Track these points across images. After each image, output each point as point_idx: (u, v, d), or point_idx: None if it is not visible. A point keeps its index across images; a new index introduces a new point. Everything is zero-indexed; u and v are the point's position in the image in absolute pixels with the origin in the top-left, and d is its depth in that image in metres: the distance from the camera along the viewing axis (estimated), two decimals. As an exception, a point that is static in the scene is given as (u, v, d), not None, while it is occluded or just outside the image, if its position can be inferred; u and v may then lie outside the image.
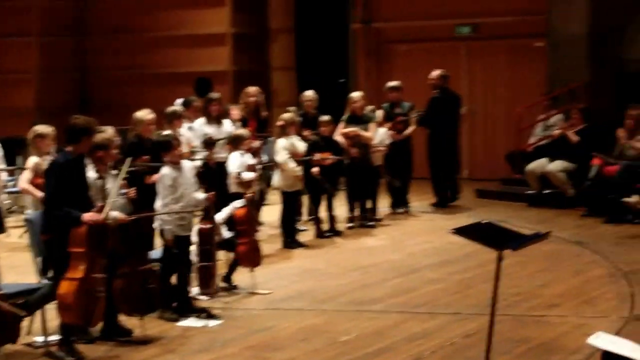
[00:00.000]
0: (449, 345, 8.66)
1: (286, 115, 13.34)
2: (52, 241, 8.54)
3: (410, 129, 15.43)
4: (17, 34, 20.31)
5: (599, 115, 16.29)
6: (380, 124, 14.96)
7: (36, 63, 20.45)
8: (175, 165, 9.77)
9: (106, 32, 21.05)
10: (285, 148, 13.01)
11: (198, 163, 12.08)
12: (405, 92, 15.68)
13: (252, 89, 14.53)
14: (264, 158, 13.80)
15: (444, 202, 16.17)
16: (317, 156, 13.44)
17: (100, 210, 8.48)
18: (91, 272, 8.34)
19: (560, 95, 17.32)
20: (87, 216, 8.35)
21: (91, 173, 8.87)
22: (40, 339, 8.76)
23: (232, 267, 10.77)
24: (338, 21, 20.24)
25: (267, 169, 13.98)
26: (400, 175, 15.50)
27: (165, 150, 9.85)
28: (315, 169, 13.39)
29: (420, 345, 8.67)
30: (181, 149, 10.01)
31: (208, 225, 10.16)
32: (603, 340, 6.25)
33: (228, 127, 13.38)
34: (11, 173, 14.10)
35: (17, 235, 13.28)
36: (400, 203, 15.65)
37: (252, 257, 10.76)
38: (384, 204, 15.49)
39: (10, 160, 13.64)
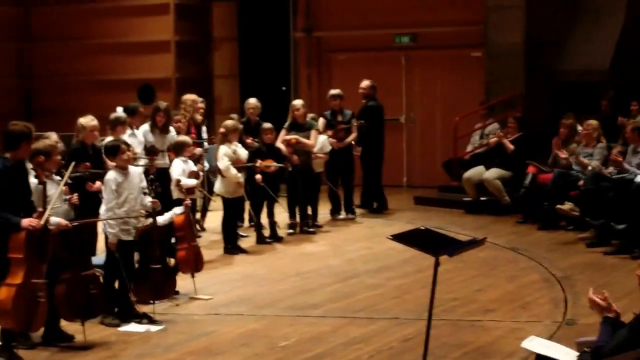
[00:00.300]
0: (387, 349, 8.78)
1: (229, 122, 13.44)
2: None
3: (351, 137, 15.57)
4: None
5: (534, 124, 16.59)
6: (321, 132, 15.10)
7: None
8: (122, 170, 9.83)
9: (50, 39, 20.99)
10: (227, 155, 13.11)
11: (140, 170, 12.17)
12: (344, 100, 15.81)
13: (195, 97, 14.63)
14: (206, 165, 13.89)
15: (384, 206, 16.36)
16: (260, 163, 13.56)
17: (40, 216, 8.52)
18: (30, 277, 8.37)
19: (496, 104, 17.60)
20: (26, 222, 8.36)
21: (32, 179, 8.91)
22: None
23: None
24: (280, 30, 20.35)
25: (210, 175, 14.10)
26: (343, 183, 15.67)
27: (113, 154, 9.91)
28: (258, 176, 13.51)
29: (358, 349, 8.78)
30: (129, 154, 10.07)
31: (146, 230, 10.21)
32: (536, 344, 6.36)
33: (173, 135, 13.47)
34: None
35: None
36: (346, 210, 15.77)
37: (191, 263, 10.83)
38: (324, 211, 15.64)
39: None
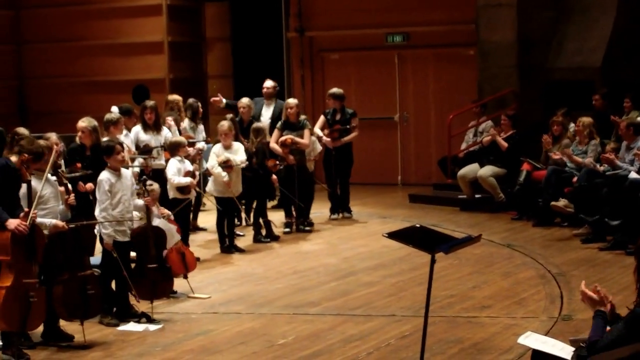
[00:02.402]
0: (384, 346, 8.83)
1: (225, 123, 13.41)
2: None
3: (350, 136, 15.52)
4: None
5: (527, 121, 16.64)
6: (321, 129, 15.20)
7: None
8: (115, 170, 9.86)
9: (43, 40, 21.00)
10: (217, 153, 13.13)
11: (130, 171, 12.23)
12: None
13: (178, 98, 14.79)
14: (204, 165, 13.92)
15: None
16: (270, 162, 13.70)
17: (25, 216, 8.53)
18: (20, 278, 8.40)
19: (489, 102, 17.65)
20: (13, 224, 8.38)
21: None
22: (-19, 345, 8.82)
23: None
24: (273, 30, 20.38)
25: (206, 175, 14.15)
26: (340, 182, 15.65)
27: (107, 154, 9.93)
28: (274, 177, 13.75)
29: (356, 347, 8.82)
30: (123, 155, 10.09)
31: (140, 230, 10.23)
32: (533, 340, 6.37)
33: (168, 134, 13.52)
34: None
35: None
36: (342, 209, 15.75)
37: (177, 265, 10.78)
38: (320, 209, 15.67)
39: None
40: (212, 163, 13.07)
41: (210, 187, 13.33)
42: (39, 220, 8.73)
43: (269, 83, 15.94)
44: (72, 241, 9.10)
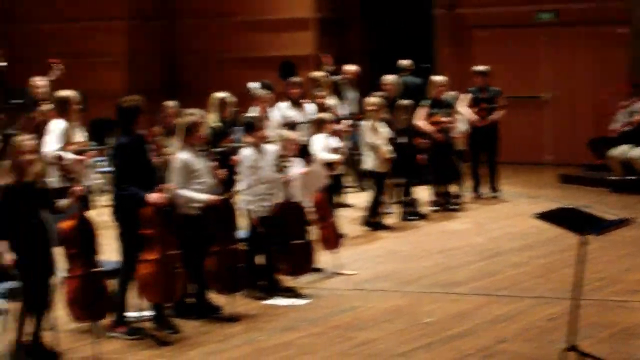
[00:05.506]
0: (532, 328, 8.72)
1: (376, 100, 13.39)
2: (123, 221, 8.70)
3: (497, 114, 15.38)
4: (104, 18, 20.59)
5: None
6: (468, 107, 15.15)
7: (124, 46, 20.71)
8: (256, 147, 9.95)
9: (194, 16, 21.27)
10: (369, 130, 13.13)
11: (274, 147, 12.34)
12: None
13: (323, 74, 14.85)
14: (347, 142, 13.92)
15: None
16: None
17: (163, 190, 8.64)
18: (165, 250, 8.56)
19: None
20: (153, 197, 8.50)
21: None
22: (134, 314, 8.96)
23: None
24: (419, 6, 20.26)
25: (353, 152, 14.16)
26: (487, 160, 15.51)
27: (249, 130, 10.03)
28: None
29: (503, 327, 8.75)
30: (265, 132, 10.15)
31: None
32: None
33: (311, 110, 13.56)
34: (101, 153, 14.34)
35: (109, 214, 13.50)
36: (491, 188, 15.61)
37: (333, 240, 10.87)
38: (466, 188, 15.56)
39: (100, 141, 13.89)
40: (372, 139, 13.06)
41: (369, 163, 13.28)
42: (195, 195, 8.88)
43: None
44: (224, 214, 9.22)
